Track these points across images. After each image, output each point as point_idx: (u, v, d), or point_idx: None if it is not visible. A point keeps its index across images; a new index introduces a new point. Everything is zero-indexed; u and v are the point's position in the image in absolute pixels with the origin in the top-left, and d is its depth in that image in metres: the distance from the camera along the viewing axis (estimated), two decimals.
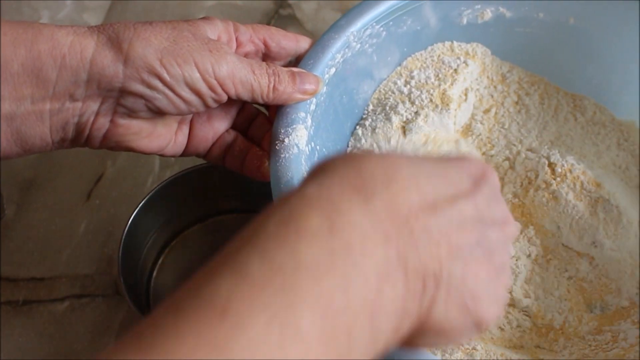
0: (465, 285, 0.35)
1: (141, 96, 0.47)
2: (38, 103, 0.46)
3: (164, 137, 0.52)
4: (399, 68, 0.61)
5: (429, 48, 0.62)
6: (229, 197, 0.65)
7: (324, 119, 0.55)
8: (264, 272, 0.30)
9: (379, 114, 0.59)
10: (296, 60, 0.55)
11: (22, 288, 0.65)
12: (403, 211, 0.33)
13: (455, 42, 0.62)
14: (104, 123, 0.49)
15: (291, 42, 0.54)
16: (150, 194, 0.60)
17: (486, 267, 0.37)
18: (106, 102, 0.48)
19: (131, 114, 0.49)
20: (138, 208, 0.59)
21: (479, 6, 0.61)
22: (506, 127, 0.63)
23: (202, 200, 0.65)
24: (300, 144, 0.50)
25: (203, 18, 0.51)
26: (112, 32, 0.46)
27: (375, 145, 0.58)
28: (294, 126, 0.51)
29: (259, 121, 0.55)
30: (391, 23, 0.58)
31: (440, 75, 0.60)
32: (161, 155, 0.53)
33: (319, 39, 0.55)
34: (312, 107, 0.53)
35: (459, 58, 0.61)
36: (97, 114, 0.48)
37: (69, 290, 0.65)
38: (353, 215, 0.32)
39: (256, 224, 0.32)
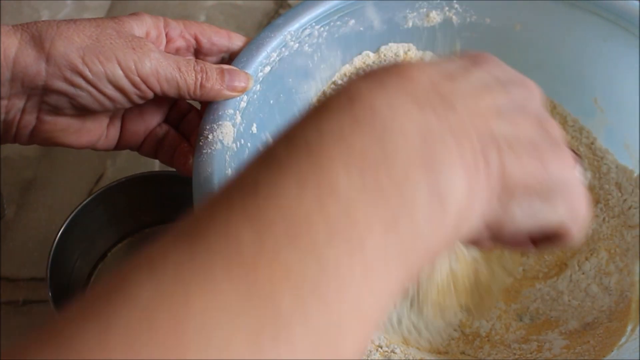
0: (523, 139, 0.33)
1: (64, 94, 0.48)
2: None
3: (94, 133, 0.52)
4: (347, 66, 0.61)
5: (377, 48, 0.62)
6: (150, 209, 0.65)
7: (257, 117, 0.55)
8: (289, 151, 0.29)
9: None
10: (230, 58, 0.55)
11: (22, 288, 0.65)
12: (425, 81, 0.32)
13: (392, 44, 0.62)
14: (30, 120, 0.50)
15: (223, 38, 0.54)
16: (71, 216, 0.59)
17: (529, 121, 0.34)
18: (31, 100, 0.48)
19: (56, 111, 0.49)
20: (62, 228, 0.59)
21: (424, 9, 0.61)
22: None
23: (126, 217, 0.65)
24: (225, 141, 0.51)
25: (131, 14, 0.51)
26: (35, 31, 0.47)
27: None
28: (220, 122, 0.51)
29: (190, 117, 0.56)
30: (332, 24, 0.58)
31: None
32: (94, 149, 0.54)
33: (255, 37, 0.55)
34: (243, 104, 0.53)
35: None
36: (23, 111, 0.49)
37: None
38: (374, 93, 0.31)
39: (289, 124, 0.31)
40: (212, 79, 0.50)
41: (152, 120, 0.55)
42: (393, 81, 0.31)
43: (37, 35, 0.47)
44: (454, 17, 0.62)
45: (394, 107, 0.30)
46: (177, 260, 0.25)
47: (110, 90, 0.48)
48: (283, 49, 0.56)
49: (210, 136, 0.50)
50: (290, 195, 0.27)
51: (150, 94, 0.50)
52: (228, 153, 0.51)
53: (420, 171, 0.29)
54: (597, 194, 0.60)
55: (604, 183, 0.60)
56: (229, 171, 0.50)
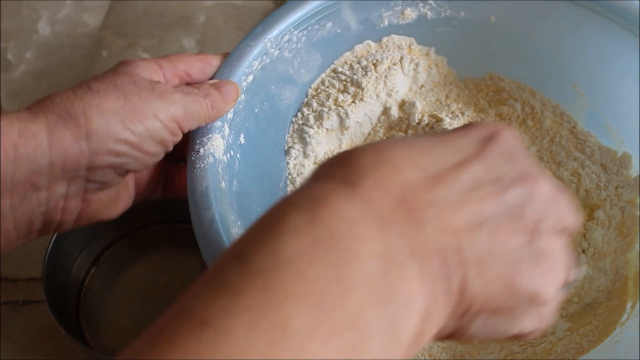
0: (498, 254, 0.31)
1: (110, 166, 0.45)
2: None
3: (125, 197, 0.51)
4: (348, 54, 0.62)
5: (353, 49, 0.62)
6: (152, 209, 0.64)
7: (244, 127, 0.54)
8: (242, 277, 0.27)
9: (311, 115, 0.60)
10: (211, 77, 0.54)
11: (22, 288, 0.65)
12: (396, 190, 0.30)
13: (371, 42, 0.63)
14: (75, 204, 0.46)
15: (206, 64, 0.53)
16: None
17: (519, 231, 0.32)
18: (73, 183, 0.44)
19: (102, 186, 0.46)
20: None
21: (399, 7, 0.61)
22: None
23: (127, 214, 0.64)
24: (217, 153, 0.50)
25: (126, 62, 0.48)
26: (60, 109, 0.43)
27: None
28: (210, 135, 0.51)
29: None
30: (310, 28, 0.58)
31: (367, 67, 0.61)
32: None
33: (235, 47, 0.55)
34: (230, 115, 0.52)
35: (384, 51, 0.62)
36: (66, 197, 0.45)
37: None
38: (336, 204, 0.29)
39: (239, 236, 0.30)
40: (217, 97, 0.50)
41: (160, 163, 0.53)
42: (363, 189, 0.30)
43: (65, 114, 0.42)
44: (428, 12, 0.62)
45: (355, 229, 0.29)
46: None
47: (153, 147, 0.46)
48: (264, 57, 0.55)
49: (201, 150, 0.50)
50: (240, 335, 0.26)
51: (181, 136, 0.48)
52: (220, 166, 0.50)
53: (377, 306, 0.28)
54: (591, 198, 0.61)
55: (588, 166, 0.61)
56: (223, 184, 0.50)
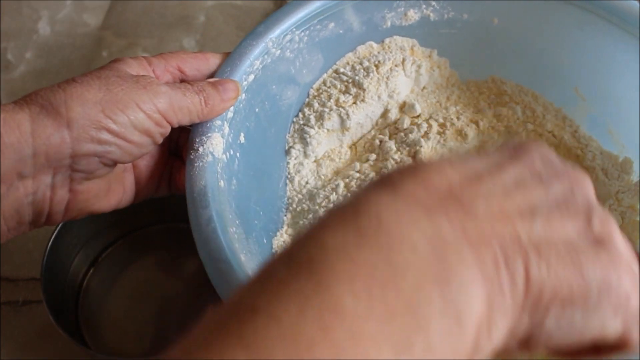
0: (557, 240, 0.30)
1: (94, 154, 0.45)
2: None
3: (118, 191, 0.51)
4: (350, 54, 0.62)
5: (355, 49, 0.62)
6: (150, 210, 0.64)
7: (245, 126, 0.54)
8: (289, 268, 0.27)
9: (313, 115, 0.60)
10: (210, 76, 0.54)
11: (22, 288, 0.65)
12: (441, 186, 0.29)
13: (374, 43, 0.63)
14: (63, 195, 0.46)
15: (202, 61, 0.53)
16: None
17: (571, 217, 0.31)
18: (59, 173, 0.45)
19: (88, 176, 0.46)
20: (57, 230, 0.59)
21: (402, 8, 0.61)
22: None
23: (125, 215, 0.64)
24: (216, 152, 0.50)
25: (114, 60, 0.49)
26: (43, 100, 0.44)
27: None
28: (209, 134, 0.50)
29: (183, 136, 0.54)
30: (312, 28, 0.58)
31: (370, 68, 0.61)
32: (118, 208, 0.52)
33: (237, 46, 0.54)
34: (230, 114, 0.52)
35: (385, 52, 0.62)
36: (53, 187, 0.45)
37: None
38: (379, 198, 0.29)
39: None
40: (212, 95, 0.50)
41: (161, 159, 0.53)
42: (405, 188, 0.29)
43: (47, 104, 0.44)
44: (431, 14, 0.62)
45: (401, 217, 0.28)
46: None
47: (137, 137, 0.46)
48: (265, 56, 0.55)
49: (200, 149, 0.50)
50: (291, 320, 0.25)
51: (169, 129, 0.48)
52: (219, 165, 0.50)
53: (433, 287, 0.27)
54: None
55: (591, 170, 0.61)
56: (222, 183, 0.49)
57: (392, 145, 0.60)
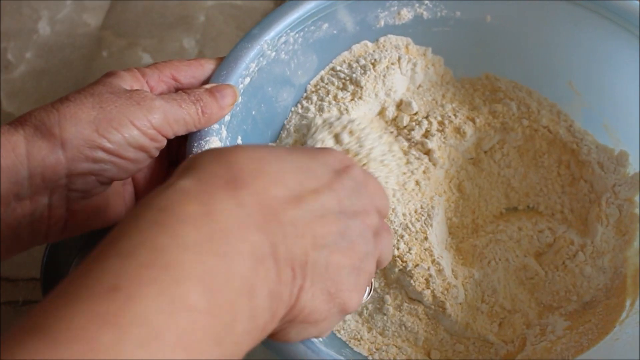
0: (329, 273, 0.38)
1: (90, 173, 0.45)
2: None
3: (117, 206, 0.51)
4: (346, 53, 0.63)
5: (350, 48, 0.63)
6: None
7: (242, 129, 0.55)
8: (148, 253, 0.31)
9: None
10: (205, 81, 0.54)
11: (22, 288, 0.65)
12: (271, 203, 0.35)
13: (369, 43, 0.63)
14: (60, 214, 0.46)
15: (197, 68, 0.53)
16: None
17: (349, 256, 0.39)
18: (56, 193, 0.45)
19: (85, 194, 0.47)
20: None
21: (395, 8, 0.61)
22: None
23: None
24: None
25: (108, 74, 0.49)
26: (37, 121, 0.44)
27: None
28: (207, 138, 0.51)
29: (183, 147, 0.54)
30: (306, 29, 0.58)
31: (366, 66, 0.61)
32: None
33: (232, 50, 0.55)
34: (227, 118, 0.53)
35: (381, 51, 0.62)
36: (50, 207, 0.46)
37: None
38: (226, 205, 0.34)
39: (134, 212, 0.34)
40: (209, 103, 0.50)
41: (161, 171, 0.54)
42: (246, 192, 0.35)
43: (40, 125, 0.44)
44: (424, 13, 0.62)
45: (241, 226, 0.34)
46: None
47: (132, 154, 0.46)
48: (261, 59, 0.56)
49: None
50: (150, 305, 0.29)
51: (164, 142, 0.48)
52: None
53: (247, 294, 0.33)
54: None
55: (587, 164, 0.61)
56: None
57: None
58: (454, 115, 0.62)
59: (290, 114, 0.60)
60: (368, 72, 0.60)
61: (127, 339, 0.28)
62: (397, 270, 0.55)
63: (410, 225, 0.56)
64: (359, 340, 0.55)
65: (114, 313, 0.29)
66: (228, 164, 0.36)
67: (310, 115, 0.60)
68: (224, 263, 0.32)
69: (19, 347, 0.28)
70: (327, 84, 0.61)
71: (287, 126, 0.60)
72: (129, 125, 0.45)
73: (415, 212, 0.58)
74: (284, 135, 0.60)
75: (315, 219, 0.37)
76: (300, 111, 0.60)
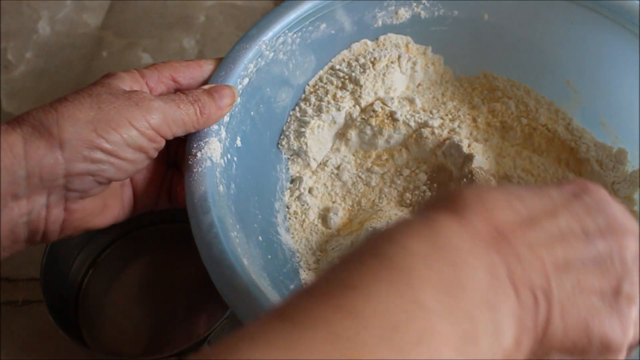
0: (580, 299, 0.34)
1: (87, 173, 0.45)
2: None
3: (115, 207, 0.51)
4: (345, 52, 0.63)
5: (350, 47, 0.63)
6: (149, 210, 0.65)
7: (241, 130, 0.55)
8: (376, 259, 0.32)
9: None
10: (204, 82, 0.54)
11: (22, 288, 0.65)
12: (501, 227, 0.34)
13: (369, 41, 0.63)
14: (58, 214, 0.47)
15: (196, 69, 0.53)
16: None
17: (600, 280, 0.35)
18: (53, 193, 0.45)
19: (83, 194, 0.47)
20: None
21: (393, 7, 0.61)
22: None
23: None
24: (214, 157, 0.51)
25: (107, 75, 0.49)
26: (35, 120, 0.44)
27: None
28: (207, 139, 0.51)
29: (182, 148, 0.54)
30: (304, 29, 0.58)
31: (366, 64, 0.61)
32: (116, 223, 0.52)
33: (230, 50, 0.55)
34: (226, 118, 0.53)
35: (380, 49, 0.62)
36: (48, 207, 0.46)
37: None
38: (449, 224, 0.33)
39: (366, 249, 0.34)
40: (207, 103, 0.50)
41: (160, 172, 0.54)
42: (470, 220, 0.33)
43: (38, 125, 0.44)
44: (422, 12, 0.62)
45: (466, 244, 0.33)
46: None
47: (130, 154, 0.46)
48: (259, 59, 0.56)
49: (198, 154, 0.50)
50: (383, 305, 0.30)
51: (163, 143, 0.48)
52: (218, 169, 0.51)
53: (486, 308, 0.31)
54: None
55: (585, 162, 0.61)
56: (221, 188, 0.50)
57: (423, 176, 0.60)
58: (457, 113, 0.62)
59: (289, 119, 0.61)
60: (367, 71, 0.61)
61: (368, 329, 0.29)
62: None
63: None
64: None
65: (354, 306, 0.29)
66: (450, 198, 0.35)
67: (308, 116, 0.60)
68: (455, 272, 0.31)
69: (270, 329, 0.29)
70: (326, 83, 0.61)
71: (287, 132, 0.60)
72: (127, 125, 0.45)
73: None
74: (284, 142, 0.60)
75: (553, 241, 0.34)
76: (298, 114, 0.61)
